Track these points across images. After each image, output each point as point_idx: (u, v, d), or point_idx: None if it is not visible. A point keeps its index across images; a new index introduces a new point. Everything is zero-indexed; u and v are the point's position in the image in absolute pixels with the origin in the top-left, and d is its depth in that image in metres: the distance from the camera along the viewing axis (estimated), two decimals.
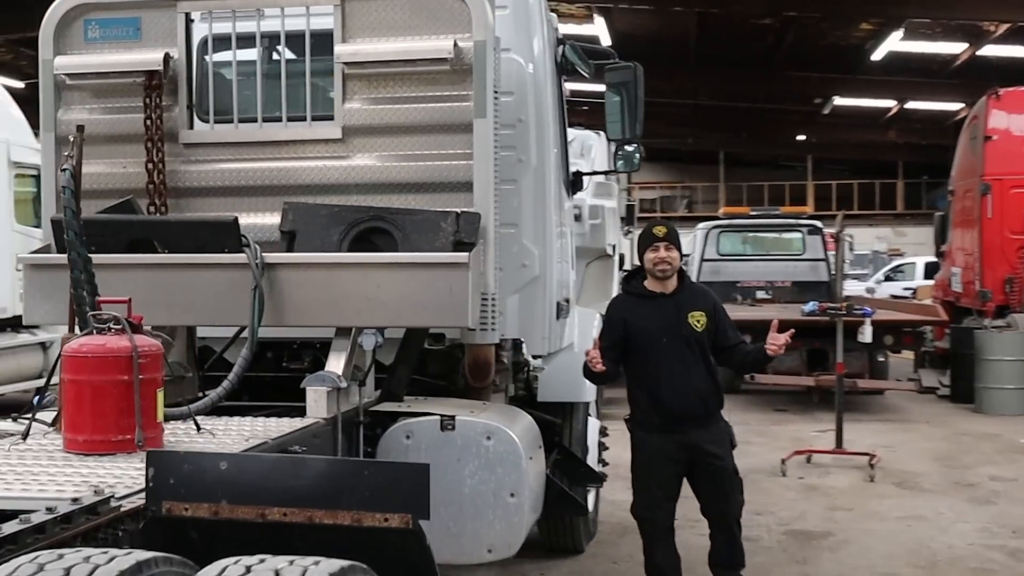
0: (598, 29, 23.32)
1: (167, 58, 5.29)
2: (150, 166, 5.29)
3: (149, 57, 5.28)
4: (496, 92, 5.27)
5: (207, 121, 5.49)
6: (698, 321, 5.61)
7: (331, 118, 5.31)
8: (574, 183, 7.04)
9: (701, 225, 20.50)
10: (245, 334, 5.58)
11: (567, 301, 6.26)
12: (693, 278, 19.25)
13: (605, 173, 7.20)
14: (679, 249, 5.63)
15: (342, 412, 4.87)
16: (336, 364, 4.96)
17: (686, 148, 42.13)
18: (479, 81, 5.08)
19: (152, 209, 5.31)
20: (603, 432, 7.48)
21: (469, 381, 5.68)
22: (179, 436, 4.18)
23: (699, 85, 30.11)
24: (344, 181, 5.29)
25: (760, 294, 19.09)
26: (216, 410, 5.07)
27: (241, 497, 2.76)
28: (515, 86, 5.76)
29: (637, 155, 6.92)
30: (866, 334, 10.38)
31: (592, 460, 7.11)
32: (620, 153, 6.95)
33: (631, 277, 5.80)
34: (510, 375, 6.21)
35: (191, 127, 5.46)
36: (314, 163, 5.31)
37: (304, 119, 5.38)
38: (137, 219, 5.13)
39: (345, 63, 5.20)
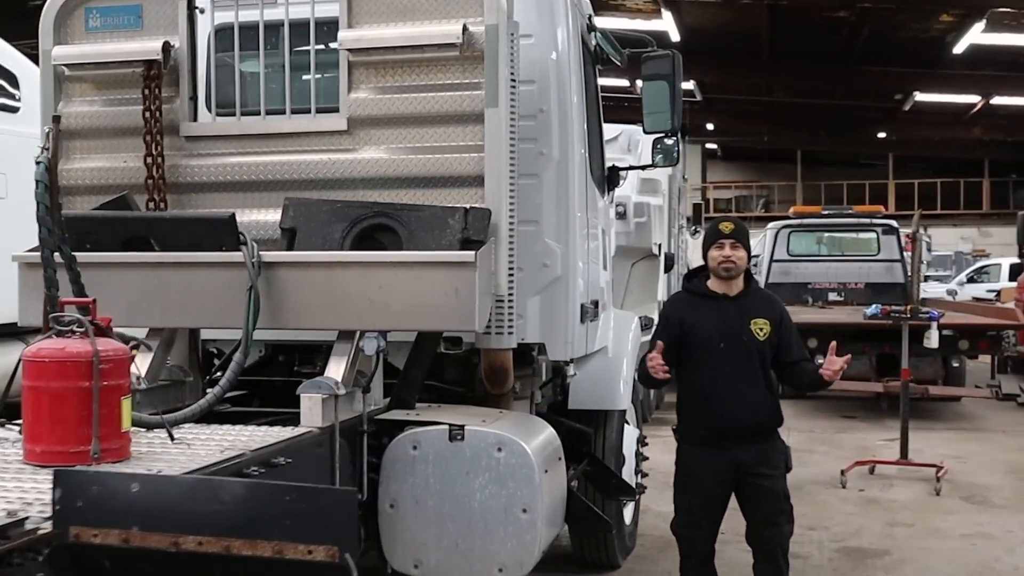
0: (666, 24, 22.83)
1: (167, 47, 5.05)
2: (149, 160, 5.05)
3: (148, 46, 5.04)
4: (514, 80, 4.95)
5: (224, 115, 5.24)
6: (761, 329, 5.15)
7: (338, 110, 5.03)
8: (610, 179, 6.70)
9: (771, 225, 19.93)
10: (256, 336, 5.37)
11: (595, 304, 5.89)
12: (762, 280, 19.16)
13: (643, 168, 6.80)
14: (747, 249, 5.20)
15: (342, 420, 4.59)
16: (336, 369, 4.68)
17: (762, 146, 41.33)
18: (491, 68, 4.75)
19: (151, 205, 5.07)
20: (642, 441, 7.09)
21: (487, 388, 5.36)
22: (153, 447, 3.91)
23: (773, 81, 29.41)
24: (350, 175, 5.00)
25: (832, 296, 18.48)
26: (214, 417, 4.82)
27: (154, 523, 2.46)
28: (537, 74, 5.42)
29: (676, 149, 6.53)
30: (932, 339, 9.82)
31: (629, 471, 6.75)
32: (659, 147, 6.57)
33: (693, 275, 5.42)
34: (536, 381, 5.88)
35: (195, 119, 5.21)
36: (319, 156, 5.03)
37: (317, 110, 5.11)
38: (130, 215, 4.89)
39: (349, 50, 4.91)
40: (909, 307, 10.03)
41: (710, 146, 44.65)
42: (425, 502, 4.78)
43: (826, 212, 19.66)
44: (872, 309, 10.95)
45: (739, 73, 27.35)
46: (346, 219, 4.80)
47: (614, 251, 8.73)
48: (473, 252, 4.54)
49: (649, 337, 8.53)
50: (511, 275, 4.97)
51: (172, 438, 3.93)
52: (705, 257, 5.20)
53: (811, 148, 42.81)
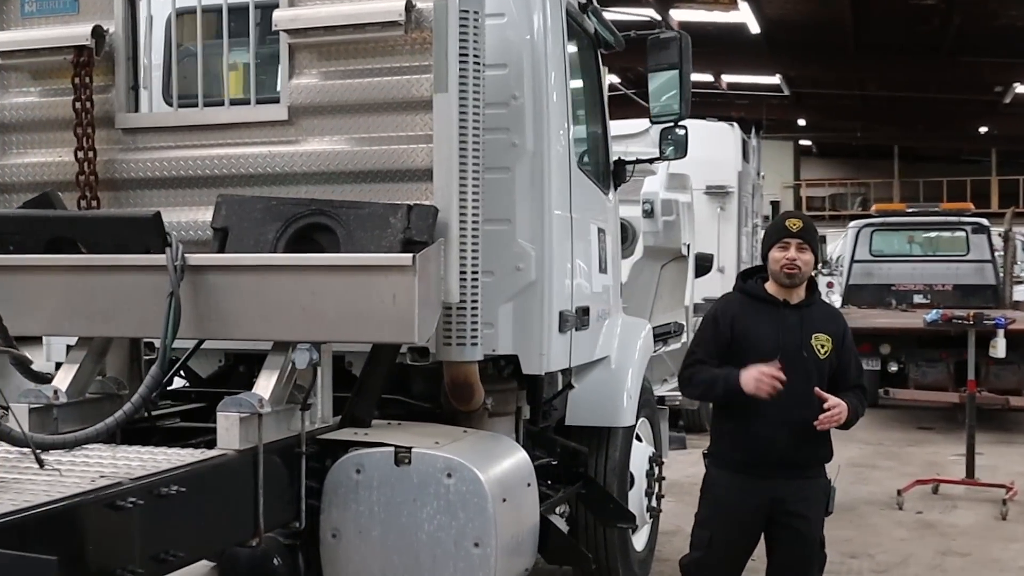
0: (744, 16, 22.01)
1: (99, 32, 4.65)
2: (80, 155, 4.65)
3: (78, 31, 4.64)
4: (478, 63, 4.43)
5: (186, 107, 4.83)
6: (823, 346, 4.54)
7: None
8: (616, 174, 6.13)
9: (852, 223, 19.02)
10: (207, 344, 4.96)
11: (584, 311, 5.33)
12: (842, 280, 18.25)
13: (650, 160, 6.23)
14: (815, 252, 4.59)
15: (273, 441, 4.15)
16: (264, 385, 4.23)
17: (859, 143, 39.98)
18: (440, 49, 4.25)
19: (83, 203, 4.68)
20: (656, 460, 6.50)
21: (453, 404, 4.85)
22: (19, 471, 3.49)
23: (863, 74, 28.26)
24: (292, 169, 4.55)
25: (918, 299, 17.50)
26: (137, 436, 4.43)
27: None
28: (510, 58, 4.89)
29: (686, 138, 5.95)
30: (999, 347, 9.02)
31: (638, 493, 6.18)
32: (670, 137, 5.99)
33: (748, 275, 4.81)
34: (521, 395, 5.36)
35: (135, 109, 4.80)
36: (259, 149, 4.59)
37: (276, 99, 4.67)
38: (51, 215, 4.49)
39: (285, 30, 4.45)
40: (973, 313, 9.23)
41: (804, 143, 43.41)
42: (369, 532, 4.30)
43: (911, 210, 18.67)
44: (932, 315, 10.14)
45: (826, 66, 26.29)
46: (281, 218, 4.34)
47: (640, 253, 8.19)
48: (411, 255, 4.04)
49: (660, 350, 8.01)
50: (476, 279, 4.48)
51: (41, 463, 3.50)
52: (765, 257, 4.60)
53: (909, 144, 41.28)
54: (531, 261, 4.87)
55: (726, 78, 30.66)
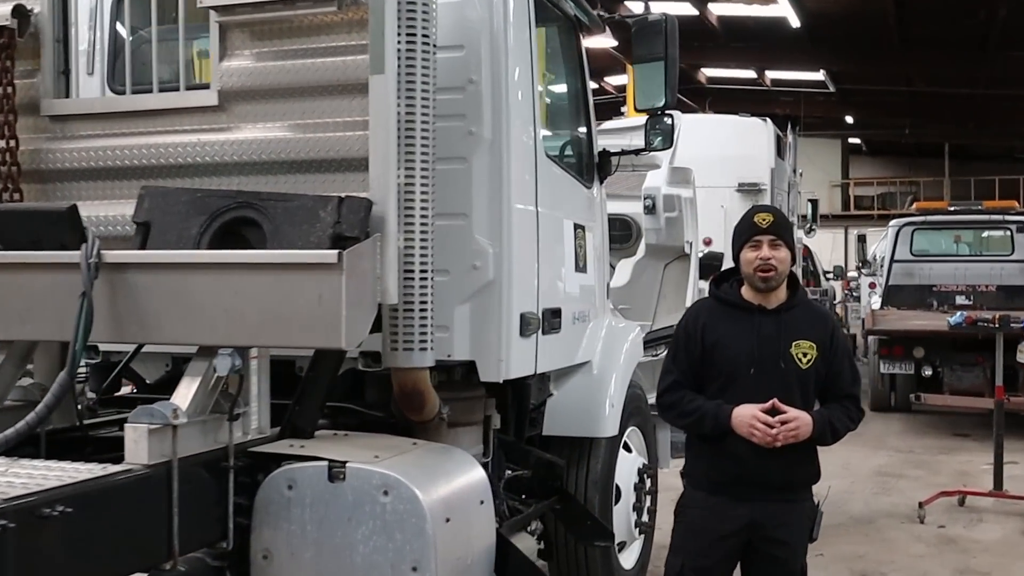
0: (783, 10, 21.44)
1: (21, 11, 4.33)
2: (1, 144, 4.34)
3: None
4: (427, 43, 4.08)
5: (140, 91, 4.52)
6: (805, 354, 4.07)
7: None
8: (600, 166, 5.73)
9: (893, 222, 18.41)
10: (148, 348, 4.66)
11: (554, 314, 4.92)
12: (883, 281, 17.65)
13: (636, 152, 5.80)
14: (791, 248, 4.13)
15: (196, 455, 3.82)
16: (185, 393, 3.89)
17: (908, 140, 39.07)
18: (376, 26, 3.88)
19: (6, 196, 4.37)
20: (647, 472, 6.09)
21: (404, 413, 4.49)
22: None
23: (910, 70, 27.50)
24: (223, 159, 4.21)
25: (960, 300, 16.88)
26: (67, 446, 4.13)
27: None
28: (467, 39, 4.51)
29: (673, 129, 5.55)
30: None
31: (625, 508, 5.79)
32: (658, 127, 5.58)
33: (722, 279, 4.36)
34: (490, 404, 4.99)
35: (66, 95, 4.48)
36: (188, 138, 4.25)
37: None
38: None
39: (213, 7, 4.10)
40: (998, 315, 8.70)
41: (853, 141, 42.57)
42: (302, 553, 3.95)
43: (953, 208, 18.02)
44: (956, 318, 9.62)
45: (870, 61, 25.56)
46: (205, 211, 4.00)
47: (643, 252, 7.77)
48: (337, 252, 3.68)
49: (662, 354, 7.58)
50: (425, 278, 4.12)
51: None
52: (736, 259, 4.16)
53: (960, 141, 40.28)
54: (488, 259, 4.48)
55: (769, 74, 30.05)
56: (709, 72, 30.07)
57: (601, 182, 5.79)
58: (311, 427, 4.32)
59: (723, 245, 15.26)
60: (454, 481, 4.18)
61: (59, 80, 4.46)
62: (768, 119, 15.91)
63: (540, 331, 4.76)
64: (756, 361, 4.04)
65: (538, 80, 4.81)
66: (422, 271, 4.16)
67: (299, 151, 4.12)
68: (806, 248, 24.30)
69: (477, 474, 4.33)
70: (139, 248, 4.04)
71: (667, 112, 5.50)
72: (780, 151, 16.45)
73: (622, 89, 27.45)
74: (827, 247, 29.33)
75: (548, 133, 5.29)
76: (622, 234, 7.81)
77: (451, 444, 4.74)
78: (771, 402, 3.95)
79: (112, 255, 3.92)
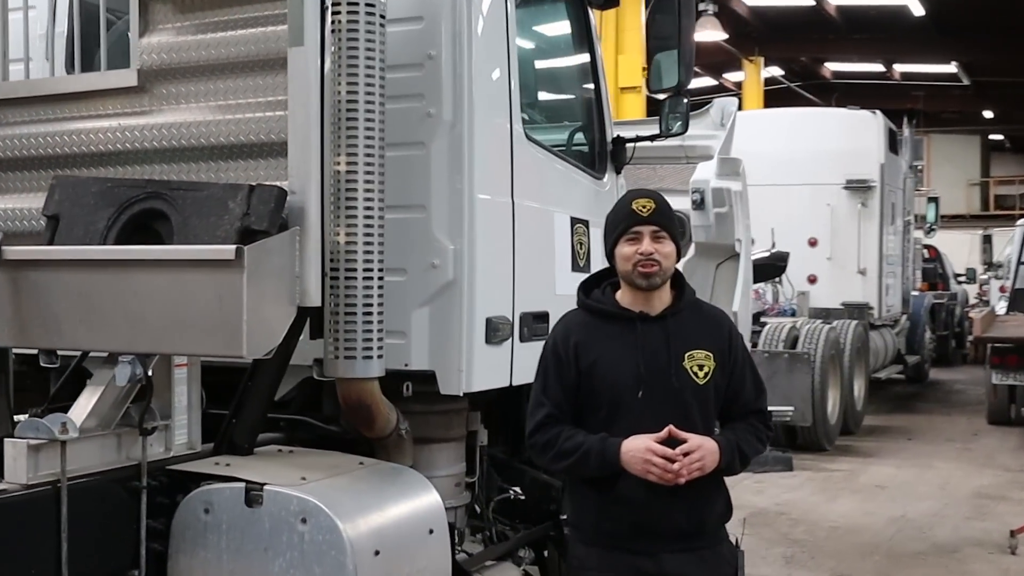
0: None
1: None
2: None
3: None
4: (373, 14, 3.62)
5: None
6: (701, 366, 3.35)
7: None
8: (614, 155, 5.16)
9: (1021, 221, 17.23)
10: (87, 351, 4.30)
11: (540, 318, 4.37)
12: (1009, 284, 16.50)
13: (651, 138, 5.21)
14: (676, 241, 3.40)
15: (95, 472, 3.46)
16: (85, 404, 3.51)
17: None
18: None
19: None
20: None
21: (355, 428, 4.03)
22: None
23: None
24: (144, 145, 3.81)
25: None
26: None
27: None
28: (425, 9, 4.02)
29: (687, 111, 4.95)
30: None
31: None
32: (677, 111, 4.99)
33: (592, 284, 3.58)
34: (474, 417, 4.51)
35: (4, 78, 4.15)
36: (108, 123, 3.86)
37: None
38: None
39: None
40: None
41: (995, 137, 40.49)
42: None
43: None
44: None
45: (1005, 51, 24.06)
46: (115, 203, 3.60)
47: (693, 251, 7.16)
48: (234, 247, 3.23)
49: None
50: (369, 278, 3.67)
51: None
52: (610, 256, 3.44)
53: None
54: (448, 257, 3.98)
55: (898, 68, 28.70)
56: (833, 66, 28.89)
57: (617, 172, 5.23)
58: (248, 443, 3.90)
59: (828, 247, 14.49)
60: (393, 508, 3.70)
61: None
62: (878, 112, 14.98)
63: (517, 338, 4.23)
64: (643, 381, 3.30)
65: (516, 56, 4.28)
66: (366, 270, 3.71)
67: (223, 135, 3.69)
68: (934, 249, 23.06)
69: (427, 499, 3.83)
70: (47, 244, 3.67)
71: (683, 93, 4.89)
72: (893, 146, 15.50)
73: (740, 86, 26.57)
74: (963, 249, 27.78)
75: (537, 117, 4.76)
76: None
77: (424, 462, 4.28)
78: (666, 430, 3.21)
79: (12, 251, 3.57)
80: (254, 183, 3.44)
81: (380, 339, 3.77)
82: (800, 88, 29.29)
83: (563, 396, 3.39)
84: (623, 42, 15.56)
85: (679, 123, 5.00)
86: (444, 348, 4.02)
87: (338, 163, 3.68)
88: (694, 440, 3.21)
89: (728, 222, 6.87)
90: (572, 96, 5.15)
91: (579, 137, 5.07)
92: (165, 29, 3.76)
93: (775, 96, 26.95)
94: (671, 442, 3.20)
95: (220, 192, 3.46)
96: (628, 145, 5.17)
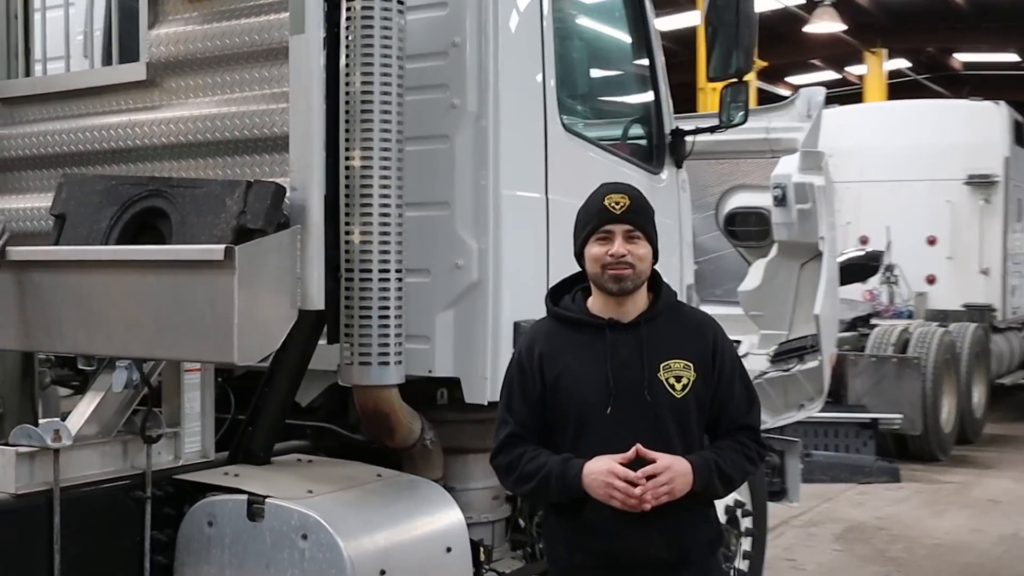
0: None
1: None
2: None
3: None
4: (392, 2, 3.43)
5: None
6: (679, 378, 2.98)
7: None
8: (673, 148, 4.86)
9: None
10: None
11: None
12: None
13: (711, 130, 4.86)
14: (653, 241, 3.04)
15: (96, 482, 3.36)
16: (83, 410, 3.40)
17: None
18: None
19: None
20: (738, 508, 5.17)
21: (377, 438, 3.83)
22: None
23: None
24: (153, 141, 3.68)
25: None
26: None
27: None
28: None
29: (748, 101, 4.62)
30: None
31: None
32: (739, 100, 4.67)
33: (561, 290, 3.20)
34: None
35: (27, 74, 4.07)
36: (118, 118, 3.73)
37: None
38: None
39: None
40: None
41: None
42: None
43: None
44: None
45: None
46: (118, 201, 3.47)
47: (775, 251, 6.79)
48: (223, 247, 3.05)
49: (795, 368, 6.51)
50: (386, 279, 3.49)
51: None
52: (579, 256, 3.08)
53: None
54: (472, 257, 3.75)
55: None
56: (963, 57, 27.67)
57: (678, 166, 4.92)
58: (265, 451, 3.73)
59: (948, 246, 13.78)
60: (405, 524, 3.49)
61: (14, 60, 4.03)
62: (1002, 103, 14.20)
63: None
64: (613, 395, 2.95)
65: (553, 44, 4.01)
66: (382, 270, 3.52)
67: (233, 129, 3.51)
68: None
69: (446, 515, 3.61)
70: (54, 243, 3.55)
71: (743, 80, 4.56)
72: (1020, 139, 14.67)
73: (863, 80, 25.67)
74: None
75: (582, 109, 4.49)
76: (759, 230, 6.83)
77: (457, 474, 4.07)
78: (633, 450, 2.87)
79: (16, 252, 3.48)
80: (252, 179, 3.26)
81: (399, 344, 3.58)
82: (928, 80, 28.13)
83: (528, 413, 3.03)
84: None
85: (740, 113, 4.67)
86: (469, 354, 3.79)
87: (352, 158, 3.50)
88: (662, 461, 2.86)
89: (811, 219, 6.46)
90: (624, 87, 4.87)
91: (633, 130, 4.79)
92: (175, 20, 3.61)
93: (901, 89, 25.89)
94: (639, 463, 2.86)
95: (218, 189, 3.29)
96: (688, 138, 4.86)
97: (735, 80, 4.58)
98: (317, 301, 3.30)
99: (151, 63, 3.63)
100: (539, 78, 3.95)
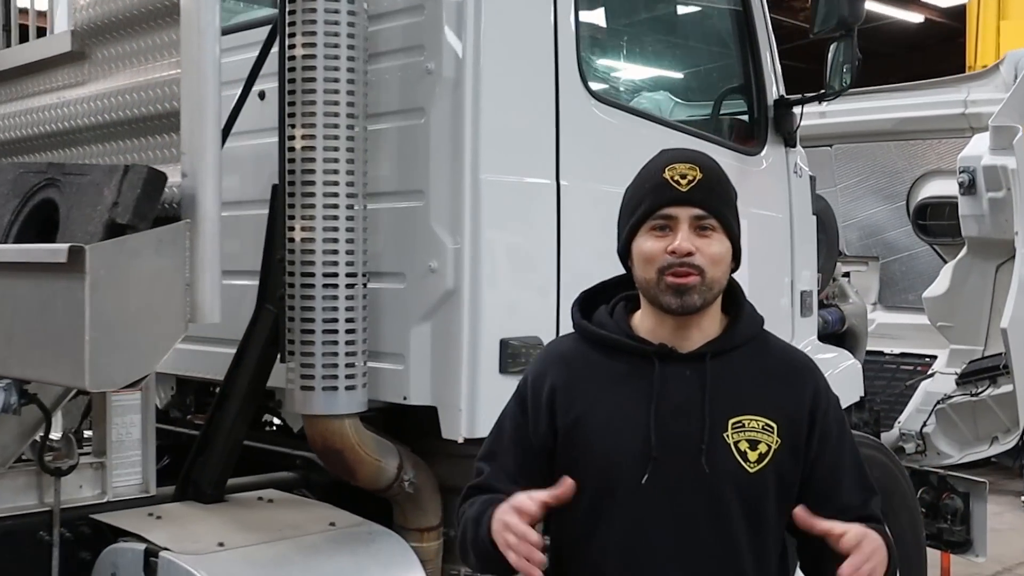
0: None
1: None
2: None
3: None
4: None
5: None
6: (753, 442, 2.06)
7: None
8: (777, 121, 3.93)
9: None
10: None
11: None
12: None
13: (818, 98, 3.83)
14: (733, 233, 2.11)
15: None
16: None
17: None
18: None
19: None
20: None
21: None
22: None
23: None
24: (79, 123, 3.16)
25: None
26: None
27: None
28: None
29: (854, 59, 3.63)
30: None
31: None
32: (844, 55, 3.70)
33: (599, 297, 2.26)
34: None
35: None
36: (50, 98, 3.24)
37: None
38: None
39: None
40: None
41: None
42: None
43: None
44: None
45: None
46: (20, 192, 2.98)
47: (965, 250, 5.60)
48: (68, 247, 2.47)
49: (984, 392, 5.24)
50: (331, 286, 2.87)
51: None
52: (624, 254, 2.16)
53: None
54: (447, 258, 3.00)
55: None
56: None
57: (789, 144, 3.97)
58: (214, 486, 3.16)
59: None
60: None
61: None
62: None
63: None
64: (654, 458, 2.03)
65: None
66: (328, 274, 2.90)
67: (159, 102, 2.94)
68: None
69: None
70: None
71: (851, 33, 3.57)
72: None
73: None
74: None
75: (621, 69, 3.65)
76: (953, 224, 5.65)
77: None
78: (567, 483, 1.98)
79: None
80: (127, 164, 2.68)
81: (352, 364, 2.91)
82: None
83: (518, 465, 2.14)
84: (1007, 6, 13.38)
85: (847, 73, 3.67)
86: (445, 378, 3.05)
87: (293, 139, 2.88)
88: (852, 534, 1.94)
89: (1005, 209, 5.21)
90: (705, 40, 3.97)
91: (716, 100, 3.90)
92: None
93: None
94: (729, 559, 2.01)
95: (100, 177, 2.72)
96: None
97: (842, 33, 3.60)
98: (210, 315, 2.67)
99: (76, 31, 3.12)
100: (548, 30, 3.14)
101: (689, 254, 2.03)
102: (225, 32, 3.07)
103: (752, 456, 2.04)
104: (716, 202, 2.07)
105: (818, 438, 2.10)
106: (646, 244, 2.07)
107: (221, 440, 3.15)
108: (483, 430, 3.04)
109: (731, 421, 2.05)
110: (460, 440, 3.01)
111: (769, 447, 2.05)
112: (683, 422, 2.05)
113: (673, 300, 2.05)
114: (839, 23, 3.53)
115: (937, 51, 16.52)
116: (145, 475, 3.16)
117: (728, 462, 2.04)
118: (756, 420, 2.06)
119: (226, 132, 3.21)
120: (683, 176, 2.06)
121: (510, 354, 3.04)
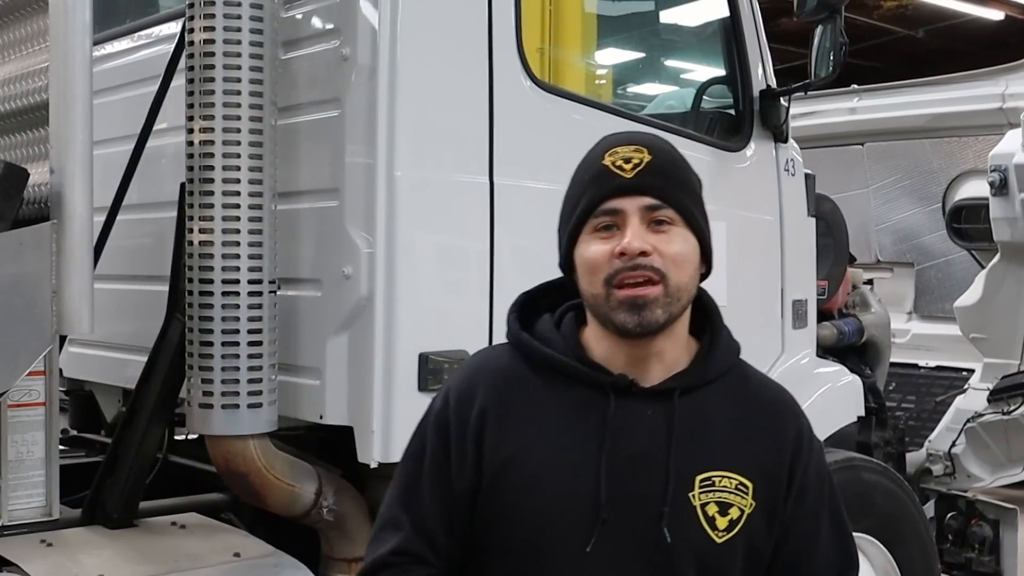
0: None
1: None
2: None
3: None
4: None
5: None
6: (723, 505, 1.68)
7: None
8: (764, 114, 3.58)
9: None
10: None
11: None
12: None
13: (803, 88, 3.47)
14: (701, 230, 1.72)
15: None
16: None
17: None
18: None
19: None
20: None
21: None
22: None
23: None
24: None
25: None
26: None
27: None
28: None
29: (840, 46, 3.28)
30: None
31: None
32: (827, 44, 3.34)
33: (541, 303, 1.84)
34: None
35: None
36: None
37: None
38: None
39: None
40: None
41: None
42: None
43: None
44: None
45: None
46: None
47: (998, 256, 5.17)
48: None
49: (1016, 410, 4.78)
50: (231, 293, 2.61)
51: None
52: (567, 265, 1.77)
53: None
54: (361, 263, 2.72)
55: None
56: None
57: (780, 139, 3.62)
58: (122, 510, 2.92)
59: None
60: None
61: None
62: None
63: None
64: (602, 521, 1.66)
65: None
66: (228, 281, 2.63)
67: (37, 93, 2.72)
68: None
69: None
70: None
71: (837, 13, 3.21)
72: None
73: None
74: None
75: (577, 54, 3.33)
76: (989, 228, 5.22)
77: None
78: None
79: None
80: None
81: (255, 380, 2.65)
82: None
83: (438, 514, 1.73)
84: None
85: (832, 60, 3.31)
86: (360, 396, 2.77)
87: (191, 135, 2.63)
88: None
89: None
90: (680, 28, 3.65)
91: (691, 91, 3.56)
92: None
93: None
94: None
95: None
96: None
97: (826, 15, 3.25)
98: (81, 326, 2.42)
99: None
100: (481, 10, 2.84)
101: (643, 254, 1.64)
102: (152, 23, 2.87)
103: (721, 523, 1.67)
104: (672, 188, 1.68)
105: (795, 497, 1.74)
106: (589, 249, 1.69)
107: (129, 459, 2.91)
108: (398, 454, 2.77)
109: (699, 478, 1.67)
110: (373, 464, 2.72)
111: (742, 511, 1.68)
112: (642, 477, 1.67)
113: (629, 318, 1.65)
114: (822, 4, 3.19)
115: (1019, 49, 15.89)
116: (48, 498, 2.92)
117: (692, 530, 1.66)
118: (729, 478, 1.68)
119: (147, 130, 3.03)
120: (627, 160, 1.67)
121: (431, 370, 2.74)
